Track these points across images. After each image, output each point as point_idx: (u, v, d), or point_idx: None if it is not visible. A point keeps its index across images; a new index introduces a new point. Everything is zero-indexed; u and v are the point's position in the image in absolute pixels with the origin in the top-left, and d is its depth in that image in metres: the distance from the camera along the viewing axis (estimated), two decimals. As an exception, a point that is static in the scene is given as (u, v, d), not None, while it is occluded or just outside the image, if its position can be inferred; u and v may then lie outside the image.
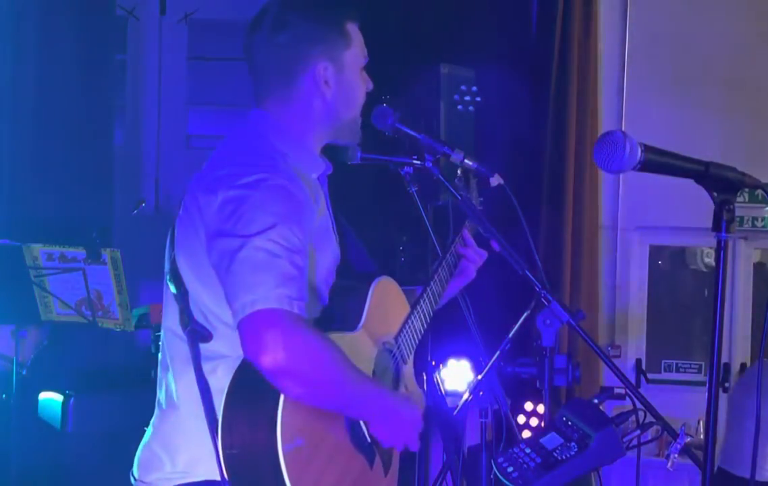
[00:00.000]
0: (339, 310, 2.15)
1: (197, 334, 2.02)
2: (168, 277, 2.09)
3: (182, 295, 2.04)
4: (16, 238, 4.20)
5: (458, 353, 4.46)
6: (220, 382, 1.97)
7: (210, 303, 2.01)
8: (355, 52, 2.18)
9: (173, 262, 2.07)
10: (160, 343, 2.17)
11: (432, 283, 2.45)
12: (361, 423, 2.07)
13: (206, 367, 2.01)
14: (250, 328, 1.85)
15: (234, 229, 1.91)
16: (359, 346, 2.10)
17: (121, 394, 4.32)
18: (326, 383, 1.91)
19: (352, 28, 2.18)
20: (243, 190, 1.95)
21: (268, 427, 1.86)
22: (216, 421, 1.94)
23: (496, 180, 2.42)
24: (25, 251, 4.07)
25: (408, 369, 2.33)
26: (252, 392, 1.89)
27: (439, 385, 4.01)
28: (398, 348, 2.28)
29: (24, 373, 4.21)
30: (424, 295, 2.41)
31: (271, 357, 1.82)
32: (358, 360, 2.05)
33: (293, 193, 1.99)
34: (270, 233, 1.89)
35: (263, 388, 1.87)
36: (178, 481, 2.03)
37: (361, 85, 2.20)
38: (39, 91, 5.04)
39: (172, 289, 2.07)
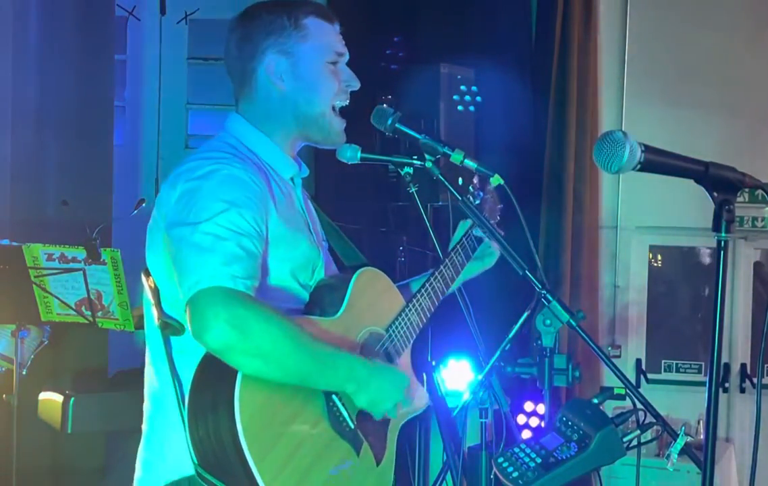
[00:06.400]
0: (319, 299, 2.16)
1: (169, 327, 2.04)
2: (142, 275, 2.14)
3: (154, 291, 2.08)
4: (16, 238, 4.20)
5: (458, 353, 4.46)
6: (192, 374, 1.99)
7: (177, 296, 2.02)
8: (315, 45, 2.19)
9: (145, 259, 2.13)
10: (145, 341, 2.19)
11: (432, 279, 2.45)
12: (341, 407, 2.05)
13: (183, 361, 2.03)
14: (193, 307, 1.87)
15: (186, 218, 1.96)
16: (339, 331, 2.10)
17: (121, 394, 4.32)
18: (279, 355, 1.90)
19: (312, 23, 2.19)
20: (196, 181, 2.00)
21: (227, 409, 1.86)
22: None
23: (496, 180, 2.41)
24: (25, 251, 4.07)
25: (403, 362, 2.31)
26: (213, 377, 1.90)
27: (439, 385, 4.01)
28: (389, 339, 2.26)
29: (24, 373, 4.21)
30: (423, 290, 2.41)
31: (215, 333, 1.84)
32: (338, 344, 2.06)
33: (246, 182, 2.02)
34: (217, 218, 1.94)
35: (223, 371, 1.88)
36: (171, 477, 2.04)
37: (327, 80, 2.20)
38: (39, 90, 5.04)
39: (146, 286, 2.11)
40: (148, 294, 2.10)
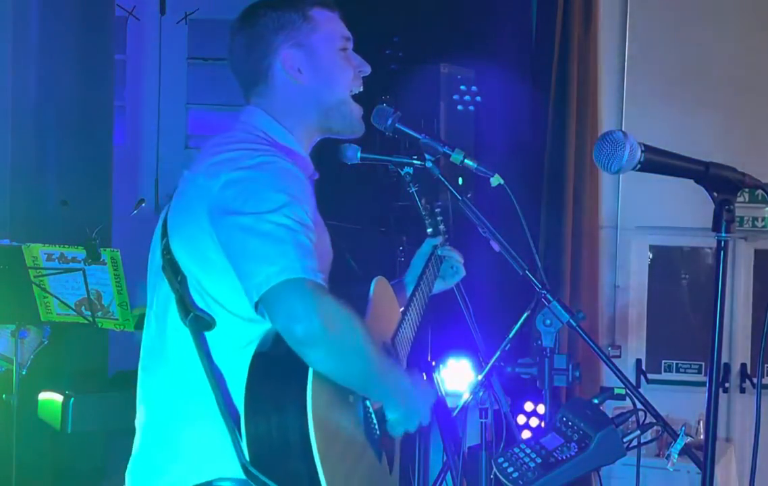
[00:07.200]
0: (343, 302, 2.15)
1: (202, 321, 1.98)
2: (162, 270, 2.04)
3: (180, 283, 2.00)
4: (16, 238, 4.20)
5: (458, 353, 4.46)
6: (230, 370, 1.95)
7: (211, 289, 1.98)
8: (326, 34, 2.16)
9: (167, 253, 2.03)
10: (142, 346, 2.12)
11: (417, 293, 2.46)
12: (372, 414, 2.06)
13: (220, 357, 1.98)
14: (278, 298, 1.82)
15: (244, 208, 1.89)
16: None
17: (121, 394, 4.31)
18: (355, 354, 1.89)
19: (319, 13, 2.17)
20: (248, 171, 1.94)
21: (298, 406, 1.83)
22: (234, 410, 1.91)
23: (496, 180, 2.42)
24: (25, 251, 4.07)
25: None
26: (276, 373, 1.88)
27: (438, 385, 4.01)
28: (395, 350, 2.27)
29: (24, 373, 4.21)
30: (411, 306, 2.42)
31: (305, 324, 1.80)
32: None
33: (299, 176, 1.99)
34: (284, 209, 1.88)
35: (288, 368, 1.86)
36: (192, 481, 1.97)
37: (343, 66, 2.17)
38: (39, 90, 5.04)
39: (168, 280, 2.02)
40: (167, 290, 2.02)
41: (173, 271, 2.02)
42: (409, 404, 2.06)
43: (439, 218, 2.78)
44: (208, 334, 1.99)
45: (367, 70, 2.23)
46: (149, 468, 2.05)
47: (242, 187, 1.92)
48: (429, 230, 2.72)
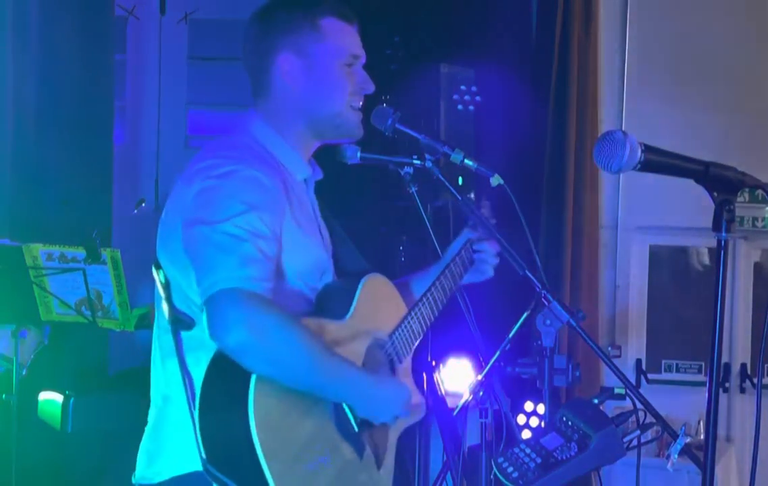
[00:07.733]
0: (326, 302, 2.16)
1: (180, 321, 2.04)
2: (153, 269, 2.13)
3: (165, 286, 2.08)
4: (16, 238, 4.20)
5: (458, 353, 4.46)
6: (204, 370, 1.98)
7: (188, 291, 2.04)
8: (331, 47, 2.17)
9: (156, 255, 2.12)
10: (153, 340, 2.20)
11: (433, 289, 2.44)
12: (347, 410, 2.06)
13: (192, 358, 2.03)
14: (212, 307, 1.88)
15: (204, 217, 1.95)
16: (346, 336, 2.11)
17: (121, 394, 4.32)
18: (292, 361, 1.91)
19: (329, 23, 2.17)
20: (216, 180, 1.99)
21: (241, 406, 1.86)
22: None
23: (496, 180, 2.42)
24: (25, 251, 4.07)
25: (404, 369, 2.32)
26: (226, 373, 1.91)
27: (439, 385, 4.01)
28: (392, 345, 2.27)
29: (24, 373, 4.21)
30: (424, 300, 2.41)
31: (234, 335, 1.85)
32: (345, 349, 2.07)
33: (264, 184, 2.02)
34: (236, 219, 1.93)
35: (237, 368, 1.88)
36: (174, 472, 2.05)
37: (341, 82, 2.18)
38: (39, 91, 5.04)
39: (157, 280, 2.11)
40: (159, 289, 2.10)
41: (158, 271, 2.11)
42: (372, 404, 2.08)
43: (483, 210, 2.75)
44: (189, 334, 2.04)
45: (370, 89, 2.23)
46: (147, 455, 2.14)
47: (207, 196, 1.98)
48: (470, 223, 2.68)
